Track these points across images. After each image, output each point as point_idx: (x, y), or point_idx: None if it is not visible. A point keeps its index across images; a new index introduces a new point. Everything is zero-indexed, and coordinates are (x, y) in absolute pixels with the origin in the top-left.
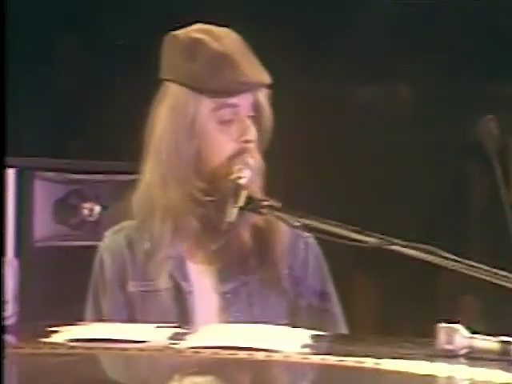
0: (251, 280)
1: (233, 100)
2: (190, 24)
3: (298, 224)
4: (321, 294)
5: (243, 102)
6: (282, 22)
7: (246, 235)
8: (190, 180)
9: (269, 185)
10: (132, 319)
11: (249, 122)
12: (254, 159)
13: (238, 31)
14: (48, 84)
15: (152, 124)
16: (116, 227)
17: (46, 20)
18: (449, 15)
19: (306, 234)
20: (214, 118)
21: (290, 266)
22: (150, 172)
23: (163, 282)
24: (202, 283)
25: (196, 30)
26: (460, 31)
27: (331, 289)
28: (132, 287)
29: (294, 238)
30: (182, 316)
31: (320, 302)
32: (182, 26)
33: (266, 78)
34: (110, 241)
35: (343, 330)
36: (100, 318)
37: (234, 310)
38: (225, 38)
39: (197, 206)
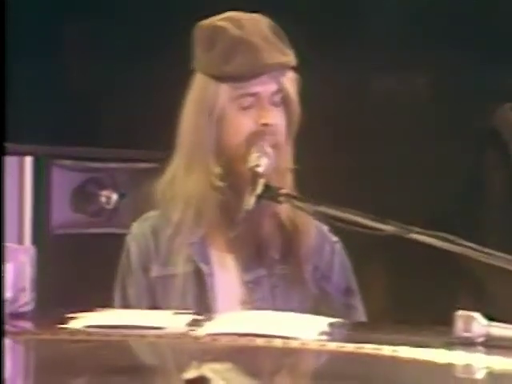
0: (275, 273)
1: (253, 88)
2: (221, 12)
3: (326, 227)
4: (344, 293)
5: (264, 89)
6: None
7: (269, 228)
8: (208, 166)
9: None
10: (155, 304)
11: (269, 107)
12: (275, 145)
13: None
14: (64, 71)
15: (180, 114)
16: (142, 216)
17: None
18: (465, 2)
19: (334, 239)
20: (233, 105)
21: (315, 265)
22: (176, 160)
23: (184, 266)
24: (224, 270)
25: (221, 18)
26: (477, 17)
27: (355, 288)
28: (155, 272)
29: (320, 240)
30: (202, 299)
31: (344, 300)
32: (212, 15)
33: (286, 60)
34: (136, 230)
35: None
36: (126, 304)
37: (257, 299)
38: (248, 25)
39: (215, 192)
